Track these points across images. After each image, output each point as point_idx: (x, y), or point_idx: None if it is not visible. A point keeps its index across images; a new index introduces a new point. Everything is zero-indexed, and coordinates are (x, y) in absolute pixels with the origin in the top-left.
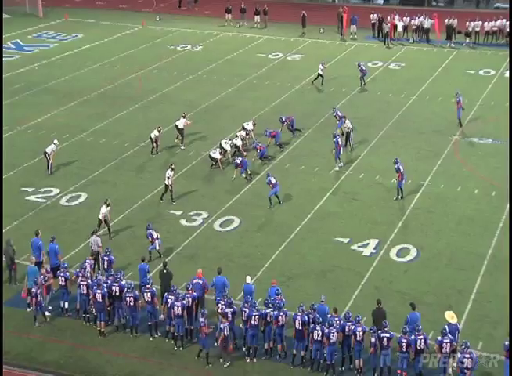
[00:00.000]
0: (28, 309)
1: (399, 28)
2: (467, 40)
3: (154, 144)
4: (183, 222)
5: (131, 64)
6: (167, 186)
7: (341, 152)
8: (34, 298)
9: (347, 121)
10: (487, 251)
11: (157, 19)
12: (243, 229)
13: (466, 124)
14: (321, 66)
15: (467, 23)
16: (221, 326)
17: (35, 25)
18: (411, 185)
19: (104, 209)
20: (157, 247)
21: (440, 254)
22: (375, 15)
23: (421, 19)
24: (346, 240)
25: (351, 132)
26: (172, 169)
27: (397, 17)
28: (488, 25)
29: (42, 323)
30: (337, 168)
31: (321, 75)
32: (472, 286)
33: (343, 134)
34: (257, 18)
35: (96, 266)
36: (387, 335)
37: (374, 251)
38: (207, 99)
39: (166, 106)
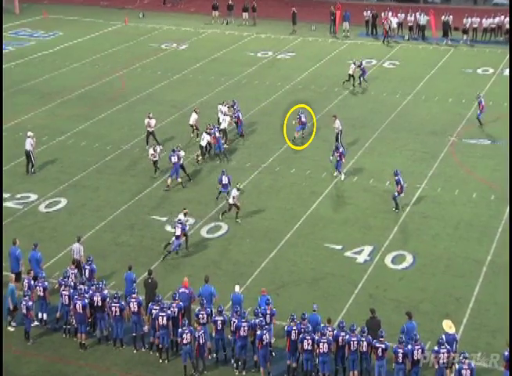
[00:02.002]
0: (10, 327)
1: (393, 25)
2: (465, 37)
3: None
4: (168, 228)
5: (113, 63)
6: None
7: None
8: (30, 312)
9: (336, 121)
10: (486, 257)
11: (141, 16)
12: (231, 236)
13: (463, 124)
14: (352, 66)
15: (464, 19)
16: (197, 334)
17: (11, 22)
18: (407, 188)
19: None
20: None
21: (437, 261)
22: (368, 11)
23: (416, 15)
24: (339, 247)
25: (340, 134)
26: (238, 189)
27: (391, 14)
28: (486, 22)
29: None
30: (343, 178)
31: (352, 76)
32: (470, 293)
33: (337, 134)
34: (245, 15)
35: (78, 275)
36: (383, 346)
37: (368, 258)
38: (194, 99)
39: (150, 107)
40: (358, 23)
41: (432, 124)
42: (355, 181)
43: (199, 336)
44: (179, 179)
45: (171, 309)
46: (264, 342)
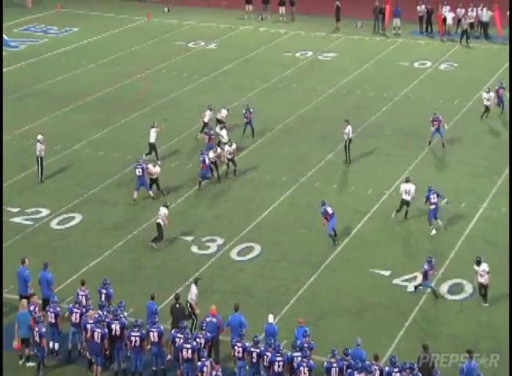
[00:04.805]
0: (22, 362)
1: (449, 21)
2: None
3: None
4: (195, 249)
5: (134, 63)
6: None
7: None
8: (43, 340)
9: (348, 127)
10: None
11: (165, 10)
12: (264, 259)
13: None
14: (485, 95)
15: None
16: (214, 373)
17: (22, 17)
18: (465, 208)
19: None
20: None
21: (499, 292)
22: (422, 6)
23: (478, 11)
24: (387, 273)
25: (349, 142)
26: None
27: (445, 9)
28: None
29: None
30: (434, 232)
31: (487, 107)
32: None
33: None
34: (282, 10)
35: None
36: None
37: (421, 287)
38: (224, 104)
39: (175, 113)
40: (411, 19)
41: (495, 136)
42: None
43: (216, 375)
44: (150, 192)
45: (198, 339)
46: (275, 369)
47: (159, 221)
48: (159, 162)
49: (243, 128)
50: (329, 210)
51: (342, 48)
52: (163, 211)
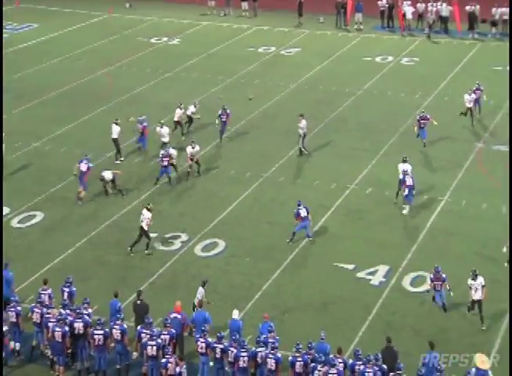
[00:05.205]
0: None
1: (408, 15)
2: (494, 30)
3: None
4: (159, 246)
5: (96, 59)
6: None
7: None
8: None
9: (303, 121)
10: None
11: (127, 6)
12: (228, 254)
13: (491, 129)
14: (468, 98)
15: (493, 9)
16: (178, 369)
17: None
18: (427, 201)
19: None
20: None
21: (462, 284)
22: (384, 1)
23: (438, 6)
24: (351, 267)
25: (304, 137)
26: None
27: (405, 4)
28: None
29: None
30: (405, 212)
31: (470, 109)
32: (500, 322)
33: (300, 136)
34: (244, 5)
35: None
36: None
37: (384, 280)
38: (187, 100)
39: (138, 109)
40: (373, 14)
41: (456, 130)
42: (368, 193)
43: (181, 373)
44: (81, 191)
45: (162, 336)
46: (240, 364)
47: (143, 224)
48: (122, 158)
49: (219, 129)
50: (302, 212)
51: (305, 44)
52: (147, 214)
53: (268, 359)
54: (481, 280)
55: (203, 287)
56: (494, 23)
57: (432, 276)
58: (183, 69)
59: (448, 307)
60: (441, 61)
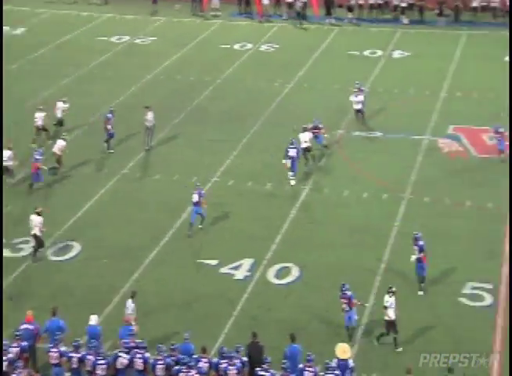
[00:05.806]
0: None
1: (265, 1)
2: (350, 15)
3: None
4: (6, 252)
5: None
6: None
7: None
8: None
9: (149, 114)
10: (379, 266)
11: None
12: (84, 257)
13: (352, 115)
14: (355, 99)
15: None
16: None
17: None
18: (290, 190)
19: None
20: None
21: (326, 273)
22: None
23: None
24: (214, 262)
25: (152, 129)
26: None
27: None
28: None
29: None
30: (293, 183)
31: (359, 110)
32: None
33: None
34: None
35: None
36: (267, 374)
37: (248, 274)
38: (33, 95)
39: None
40: (230, 0)
41: (317, 116)
42: (230, 184)
43: None
44: None
45: (11, 350)
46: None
47: (35, 232)
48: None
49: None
50: (194, 198)
51: (161, 32)
52: (38, 219)
53: (136, 359)
54: (393, 299)
55: (132, 298)
56: (350, 9)
57: (340, 295)
58: (28, 61)
59: (314, 299)
60: (300, 47)
